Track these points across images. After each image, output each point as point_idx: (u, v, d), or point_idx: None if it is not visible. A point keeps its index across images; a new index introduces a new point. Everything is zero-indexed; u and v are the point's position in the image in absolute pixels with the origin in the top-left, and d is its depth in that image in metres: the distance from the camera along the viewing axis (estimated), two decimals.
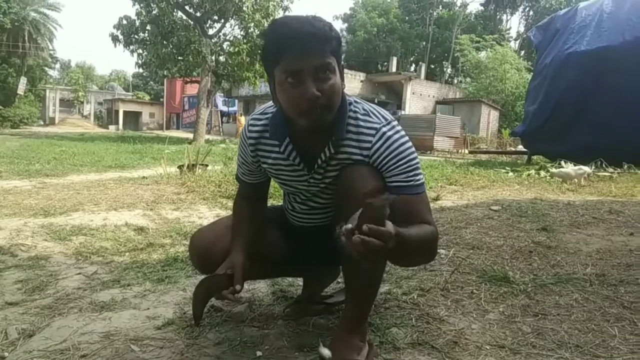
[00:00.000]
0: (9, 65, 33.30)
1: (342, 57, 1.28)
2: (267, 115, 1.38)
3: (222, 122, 34.39)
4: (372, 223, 0.91)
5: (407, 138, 1.28)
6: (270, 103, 1.39)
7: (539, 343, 1.49)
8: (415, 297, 1.86)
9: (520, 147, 12.95)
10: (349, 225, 0.93)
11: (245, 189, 1.56)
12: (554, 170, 6.19)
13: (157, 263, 2.28)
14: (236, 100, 33.21)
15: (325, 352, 1.28)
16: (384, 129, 1.26)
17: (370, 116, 1.28)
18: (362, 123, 1.27)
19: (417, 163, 1.27)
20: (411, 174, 1.24)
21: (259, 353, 1.41)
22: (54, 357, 1.36)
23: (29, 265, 2.20)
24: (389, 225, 0.95)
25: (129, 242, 2.64)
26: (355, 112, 1.29)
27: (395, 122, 1.30)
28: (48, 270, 2.16)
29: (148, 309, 1.74)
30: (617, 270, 2.20)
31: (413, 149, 1.28)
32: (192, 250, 1.54)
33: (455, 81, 38.86)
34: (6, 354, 1.39)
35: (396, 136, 1.26)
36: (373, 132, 1.26)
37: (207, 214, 3.54)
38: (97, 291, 1.90)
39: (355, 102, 1.32)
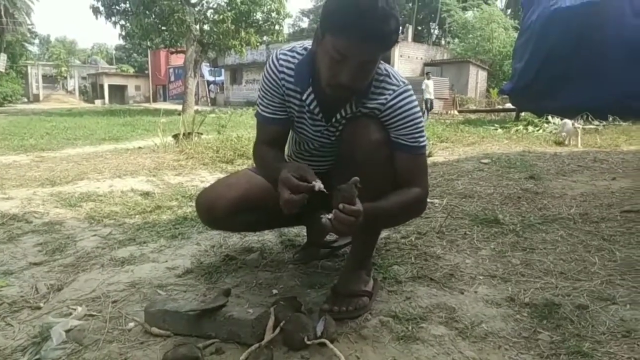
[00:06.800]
0: None
1: None
2: (294, 55, 1.37)
3: (209, 92, 33.98)
4: (344, 203, 1.11)
5: (417, 103, 1.38)
6: (300, 43, 1.41)
7: (527, 272, 1.65)
8: (413, 239, 2.01)
9: (509, 105, 13.07)
10: (329, 215, 1.14)
11: (266, 132, 1.47)
12: (559, 121, 6.26)
13: (168, 222, 2.39)
14: (222, 70, 32.79)
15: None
16: (401, 90, 1.35)
17: (391, 78, 1.35)
18: (383, 84, 1.35)
19: (423, 127, 1.38)
20: (417, 135, 1.35)
21: (274, 291, 1.55)
22: (88, 304, 1.48)
23: (45, 230, 2.31)
24: (358, 204, 1.13)
25: (137, 205, 2.75)
26: (378, 74, 1.34)
27: (410, 87, 1.38)
28: (64, 233, 2.26)
29: (166, 261, 1.86)
30: (599, 209, 2.36)
31: (420, 114, 1.39)
32: (198, 206, 1.63)
33: (443, 42, 38.48)
34: (41, 304, 1.51)
35: (410, 99, 1.35)
36: (391, 92, 1.34)
37: (209, 177, 3.65)
38: (115, 249, 2.03)
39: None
